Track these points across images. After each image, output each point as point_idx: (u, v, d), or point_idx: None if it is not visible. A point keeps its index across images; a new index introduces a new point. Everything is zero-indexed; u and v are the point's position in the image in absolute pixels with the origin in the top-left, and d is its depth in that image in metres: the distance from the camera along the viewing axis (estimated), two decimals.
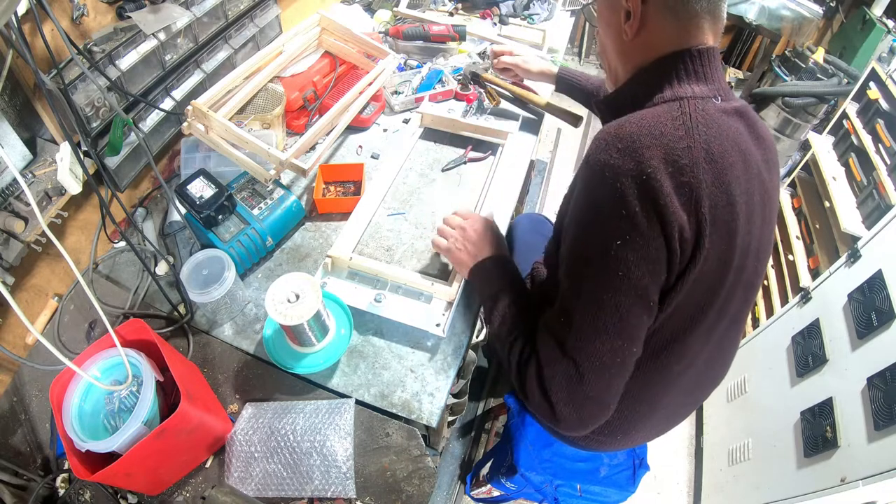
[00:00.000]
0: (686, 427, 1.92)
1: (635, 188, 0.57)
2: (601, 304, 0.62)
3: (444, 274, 1.05)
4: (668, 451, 1.86)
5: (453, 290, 0.99)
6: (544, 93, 1.48)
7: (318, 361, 0.91)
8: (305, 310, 0.82)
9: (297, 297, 0.83)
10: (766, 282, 1.94)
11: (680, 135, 0.59)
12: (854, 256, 1.31)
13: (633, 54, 0.71)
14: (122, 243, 1.13)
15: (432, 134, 1.37)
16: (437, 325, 0.96)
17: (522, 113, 1.44)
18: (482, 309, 0.90)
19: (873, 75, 1.76)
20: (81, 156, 0.91)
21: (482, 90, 1.46)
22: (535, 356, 0.69)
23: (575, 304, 0.65)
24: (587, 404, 0.66)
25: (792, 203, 2.03)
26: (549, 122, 1.44)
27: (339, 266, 1.05)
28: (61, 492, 0.83)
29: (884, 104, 1.68)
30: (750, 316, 1.97)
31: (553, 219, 1.03)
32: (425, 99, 1.43)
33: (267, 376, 0.96)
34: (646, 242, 0.58)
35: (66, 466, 0.87)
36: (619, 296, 0.61)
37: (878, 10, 2.44)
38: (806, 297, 1.48)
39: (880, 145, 1.64)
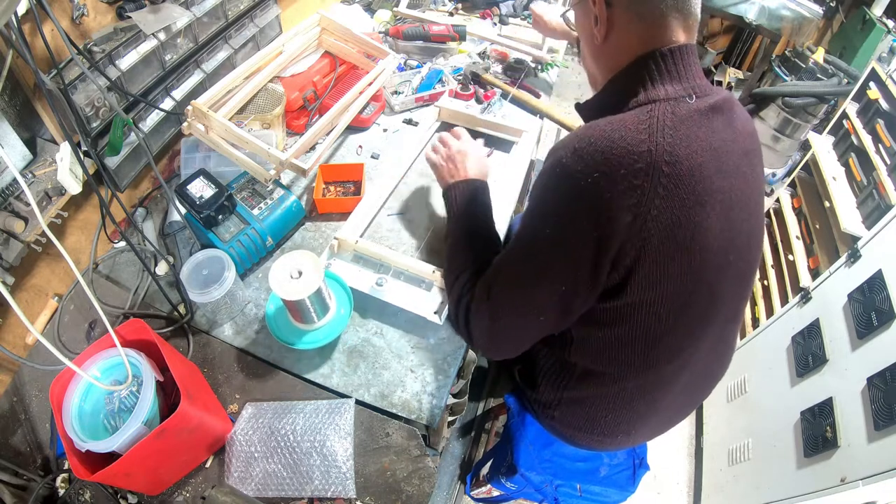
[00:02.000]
0: (686, 427, 1.93)
1: (578, 188, 0.61)
2: (522, 273, 0.72)
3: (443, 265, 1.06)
4: (668, 451, 1.86)
5: None
6: (543, 97, 1.48)
7: (319, 338, 0.92)
8: (307, 285, 0.84)
9: (300, 273, 0.85)
10: (766, 282, 1.94)
11: (642, 138, 0.60)
12: (854, 256, 1.31)
13: (605, 58, 0.73)
14: (122, 243, 1.13)
15: (441, 129, 1.38)
16: (435, 312, 0.97)
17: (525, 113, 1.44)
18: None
19: (873, 75, 1.75)
20: (81, 156, 0.91)
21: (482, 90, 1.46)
22: (471, 292, 0.80)
23: (507, 263, 0.75)
24: (496, 339, 0.79)
25: (792, 203, 2.03)
26: (550, 122, 1.44)
27: (344, 248, 1.06)
28: (61, 492, 0.83)
29: (884, 104, 1.68)
30: (750, 316, 1.97)
31: None
32: (444, 94, 1.43)
33: (267, 376, 0.96)
34: (573, 238, 0.64)
35: (66, 466, 0.86)
36: (537, 274, 0.69)
37: (878, 10, 2.44)
38: (806, 297, 1.48)
39: (880, 145, 1.64)
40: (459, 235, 0.91)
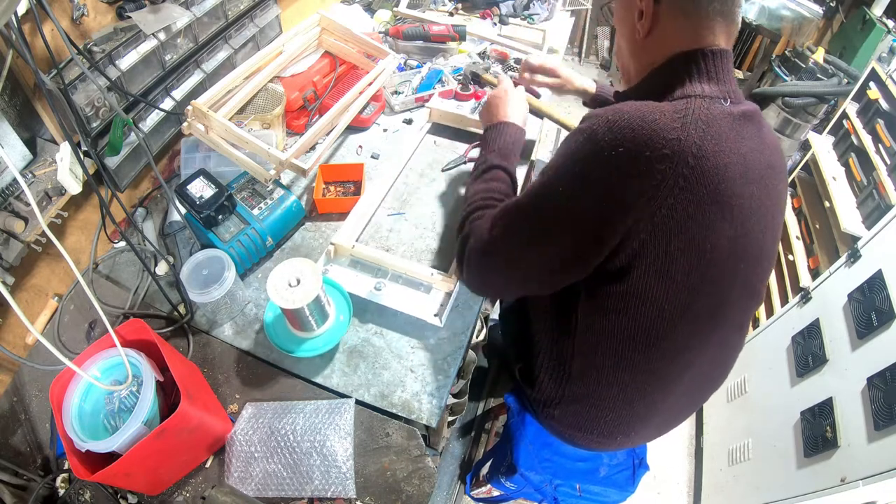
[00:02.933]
0: (686, 427, 1.93)
1: (600, 157, 0.61)
2: (525, 224, 0.72)
3: (443, 266, 1.06)
4: (668, 451, 1.86)
5: (452, 281, 1.00)
6: (543, 97, 1.48)
7: (318, 346, 0.92)
8: (305, 294, 0.83)
9: (298, 281, 0.84)
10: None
11: (674, 126, 0.60)
12: (854, 256, 1.31)
13: (644, 53, 0.74)
14: (122, 243, 1.13)
15: (440, 130, 1.38)
16: (435, 314, 0.97)
17: None
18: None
19: (873, 75, 1.76)
20: (81, 156, 0.91)
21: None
22: (479, 221, 0.82)
23: (515, 210, 0.75)
24: (482, 276, 0.81)
25: (792, 203, 2.03)
26: (550, 122, 1.44)
27: (341, 254, 1.06)
28: (61, 492, 0.83)
29: (884, 104, 1.68)
30: None
31: None
32: (434, 94, 1.43)
33: (267, 376, 0.96)
34: (583, 203, 0.64)
35: (66, 466, 0.86)
36: (539, 229, 0.70)
37: (878, 10, 2.44)
38: (806, 297, 1.48)
39: (880, 145, 1.64)
40: (482, 170, 0.94)
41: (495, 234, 0.76)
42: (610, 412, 0.84)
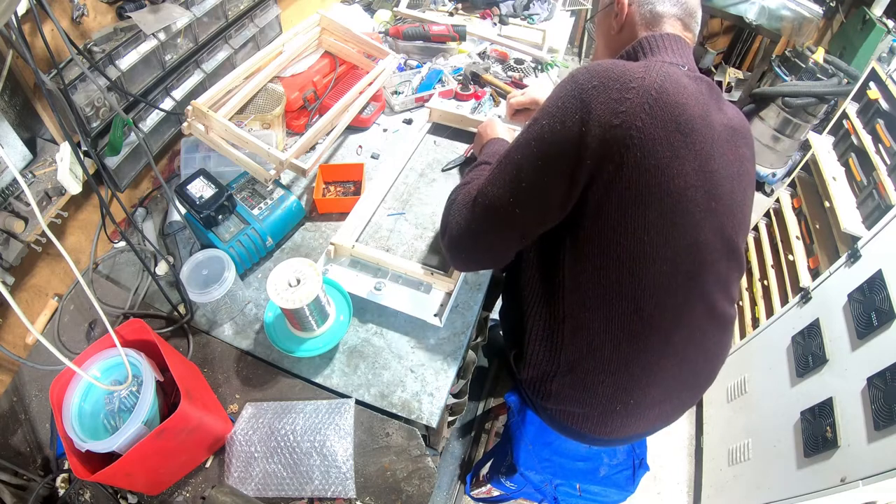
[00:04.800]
0: (686, 427, 1.93)
1: (578, 90, 0.72)
2: (513, 162, 0.78)
3: (443, 266, 1.06)
4: (668, 451, 1.86)
5: (453, 281, 1.00)
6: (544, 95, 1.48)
7: (318, 346, 0.92)
8: (306, 294, 0.83)
9: (299, 281, 0.84)
10: (765, 282, 1.94)
11: (640, 71, 0.72)
12: (854, 256, 1.31)
13: (617, 45, 0.90)
14: (122, 243, 1.13)
15: (440, 129, 1.38)
16: (435, 314, 0.97)
17: None
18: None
19: (873, 75, 1.75)
20: (81, 156, 0.91)
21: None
22: (466, 189, 0.88)
23: (505, 155, 0.81)
24: (462, 245, 0.86)
25: (792, 203, 2.03)
26: None
27: (341, 254, 1.06)
28: (61, 492, 0.83)
29: (884, 104, 1.67)
30: (750, 316, 1.97)
31: None
32: (434, 94, 1.43)
33: (267, 376, 0.96)
34: (564, 133, 0.72)
35: (66, 466, 0.87)
36: (526, 162, 0.76)
37: (878, 10, 2.44)
38: (806, 297, 1.48)
39: (880, 145, 1.64)
40: (472, 167, 1.01)
41: (489, 178, 0.82)
42: (606, 375, 0.84)
